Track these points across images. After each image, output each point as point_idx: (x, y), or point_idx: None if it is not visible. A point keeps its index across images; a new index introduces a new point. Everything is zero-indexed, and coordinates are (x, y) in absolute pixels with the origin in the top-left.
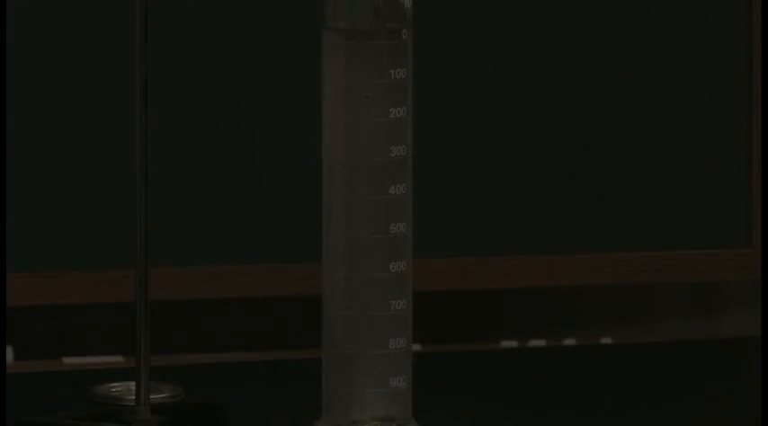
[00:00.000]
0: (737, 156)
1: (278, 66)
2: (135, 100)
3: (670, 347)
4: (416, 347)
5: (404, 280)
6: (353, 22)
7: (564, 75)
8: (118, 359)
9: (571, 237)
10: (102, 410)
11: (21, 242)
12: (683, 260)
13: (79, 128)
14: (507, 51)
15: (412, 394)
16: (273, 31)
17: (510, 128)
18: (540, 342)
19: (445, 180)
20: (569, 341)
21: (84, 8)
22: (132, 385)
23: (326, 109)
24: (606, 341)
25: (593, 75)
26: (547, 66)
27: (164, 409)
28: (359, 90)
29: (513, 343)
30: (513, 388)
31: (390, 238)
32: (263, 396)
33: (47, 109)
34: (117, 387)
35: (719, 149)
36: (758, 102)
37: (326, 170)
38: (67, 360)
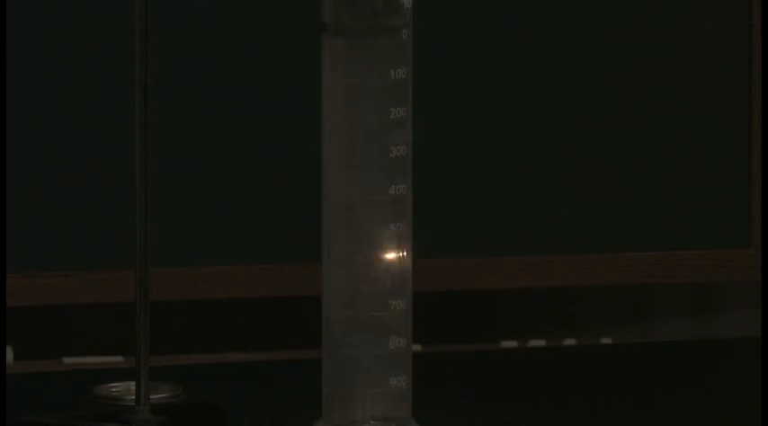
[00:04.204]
0: (737, 156)
1: (278, 66)
2: (135, 100)
3: (670, 347)
4: (416, 347)
5: (404, 280)
6: (353, 22)
7: (564, 74)
8: (118, 359)
9: (571, 237)
10: (102, 410)
11: (21, 242)
12: (683, 260)
13: (79, 128)
14: (507, 51)
15: (412, 394)
16: (273, 31)
17: (510, 128)
18: (540, 342)
19: (445, 180)
20: (569, 341)
21: (85, 8)
22: (132, 385)
23: (326, 109)
24: (606, 341)
25: (592, 74)
26: (547, 66)
27: (164, 409)
28: (359, 90)
29: (513, 343)
30: (513, 388)
31: (390, 238)
32: (263, 396)
33: (47, 109)
34: (117, 387)
35: (719, 149)
36: (758, 102)
37: (326, 170)
38: (67, 360)
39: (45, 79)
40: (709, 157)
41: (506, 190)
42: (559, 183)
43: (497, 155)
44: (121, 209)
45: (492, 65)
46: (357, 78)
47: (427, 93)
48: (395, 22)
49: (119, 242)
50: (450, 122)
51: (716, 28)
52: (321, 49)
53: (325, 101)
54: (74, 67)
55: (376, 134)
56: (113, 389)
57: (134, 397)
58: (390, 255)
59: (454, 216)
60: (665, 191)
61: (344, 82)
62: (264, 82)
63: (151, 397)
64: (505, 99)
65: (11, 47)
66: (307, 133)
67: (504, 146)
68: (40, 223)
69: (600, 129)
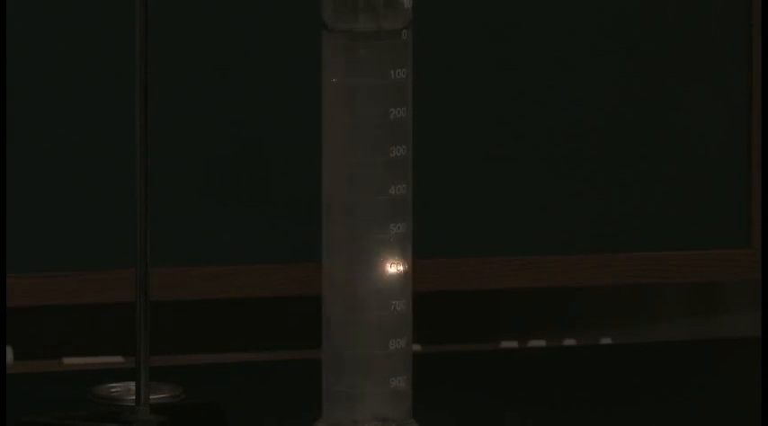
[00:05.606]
0: (737, 156)
1: (278, 66)
2: (135, 100)
3: (670, 347)
4: (416, 347)
5: (404, 280)
6: (353, 23)
7: (564, 75)
8: (118, 359)
9: (571, 237)
10: (102, 410)
11: (21, 242)
12: (683, 260)
13: (79, 128)
14: (507, 51)
15: (412, 394)
16: (273, 31)
17: (510, 128)
18: (540, 342)
19: (445, 180)
20: (569, 342)
21: (85, 8)
22: (132, 385)
23: (326, 109)
24: (606, 341)
25: (593, 75)
26: (547, 66)
27: (164, 409)
28: (359, 90)
29: (513, 343)
30: (513, 388)
31: (390, 238)
32: (263, 396)
33: (47, 109)
34: (117, 387)
35: (719, 149)
36: (758, 102)
37: (326, 170)
38: (67, 360)
39: (45, 79)
40: (709, 157)
41: (506, 190)
42: (559, 183)
43: (497, 155)
44: (121, 209)
45: (492, 65)
46: (357, 78)
47: (427, 93)
48: (395, 22)
49: (119, 242)
50: (451, 122)
51: (716, 28)
52: (321, 49)
53: (326, 101)
54: (74, 67)
55: (376, 134)
56: (113, 389)
57: (134, 397)
58: (390, 255)
59: (454, 216)
60: (665, 191)
61: (344, 82)
62: (264, 82)
63: (151, 397)
64: (505, 99)
65: (11, 47)
66: (307, 133)
67: (504, 146)
68: (40, 223)
69: (600, 129)
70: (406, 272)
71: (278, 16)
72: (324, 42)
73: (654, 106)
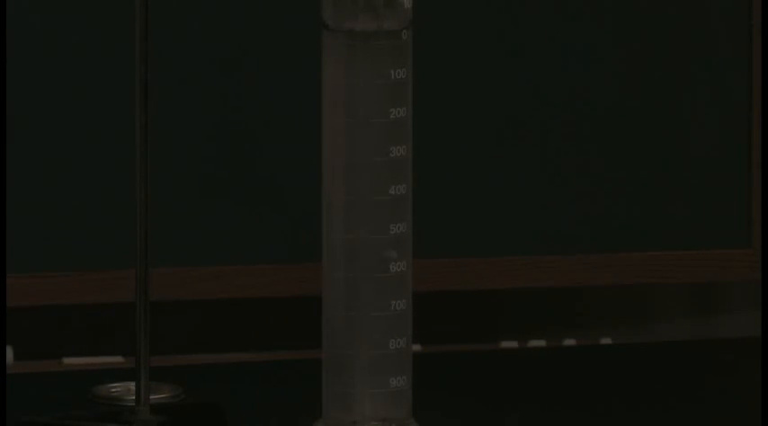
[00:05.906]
0: (737, 156)
1: (278, 66)
2: (135, 100)
3: (670, 347)
4: (416, 347)
5: (404, 280)
6: (353, 23)
7: (564, 75)
8: (118, 359)
9: (571, 237)
10: (102, 410)
11: (21, 242)
12: (683, 260)
13: (79, 128)
14: (507, 51)
15: (412, 394)
16: (273, 31)
17: (510, 128)
18: (540, 342)
19: (445, 180)
20: (569, 342)
21: (84, 7)
22: (132, 385)
23: (326, 109)
24: (606, 341)
25: (593, 75)
26: (547, 66)
27: (164, 409)
28: (359, 90)
29: (513, 343)
30: (513, 388)
31: (390, 238)
32: (263, 396)
33: (47, 109)
34: (117, 388)
35: (719, 149)
36: (758, 102)
37: (326, 170)
38: (67, 360)
39: (45, 79)
40: (709, 157)
41: (506, 189)
42: (560, 183)
43: (497, 155)
44: (121, 209)
45: (492, 65)
46: (357, 78)
47: (427, 93)
48: (395, 22)
49: (119, 242)
50: (451, 122)
51: (716, 28)
52: (321, 50)
53: (326, 101)
54: (74, 67)
55: (376, 134)
56: (113, 389)
57: (134, 397)
58: (390, 255)
59: (454, 216)
60: (664, 191)
61: (344, 82)
62: (264, 82)
63: (151, 397)
64: (505, 99)
65: (11, 47)
66: (307, 133)
67: (504, 146)
68: (40, 223)
69: (600, 129)
70: (405, 272)
71: (278, 16)
72: (324, 42)
73: (654, 106)
